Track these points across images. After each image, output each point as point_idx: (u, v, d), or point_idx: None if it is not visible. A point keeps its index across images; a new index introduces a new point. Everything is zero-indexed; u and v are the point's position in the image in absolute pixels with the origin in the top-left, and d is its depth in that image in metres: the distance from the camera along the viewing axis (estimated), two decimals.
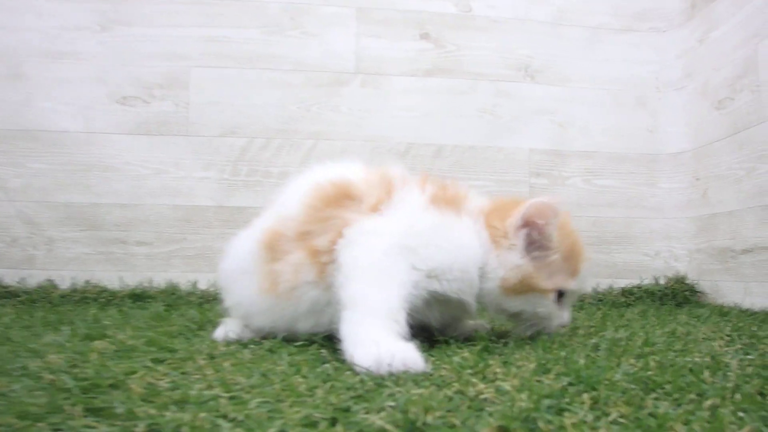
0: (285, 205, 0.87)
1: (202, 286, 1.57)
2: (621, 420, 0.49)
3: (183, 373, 0.64)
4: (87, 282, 1.56)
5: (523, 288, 0.80)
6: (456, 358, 0.69)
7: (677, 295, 1.65)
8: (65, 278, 1.56)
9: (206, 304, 1.46)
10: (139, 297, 1.51)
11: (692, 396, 0.56)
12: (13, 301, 1.44)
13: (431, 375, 0.62)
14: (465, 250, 0.80)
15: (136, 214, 1.61)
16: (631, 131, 1.81)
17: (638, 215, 1.78)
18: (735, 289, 1.55)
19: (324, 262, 0.76)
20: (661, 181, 1.79)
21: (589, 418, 0.48)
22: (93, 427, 0.45)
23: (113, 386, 0.57)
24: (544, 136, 1.76)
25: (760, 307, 1.40)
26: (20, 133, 1.59)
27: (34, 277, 1.55)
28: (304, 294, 0.79)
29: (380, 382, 0.58)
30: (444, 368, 0.65)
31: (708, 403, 0.53)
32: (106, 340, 0.84)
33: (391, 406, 0.50)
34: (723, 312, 1.38)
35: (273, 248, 0.81)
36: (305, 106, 1.68)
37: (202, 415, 0.47)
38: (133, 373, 0.62)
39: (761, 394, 0.58)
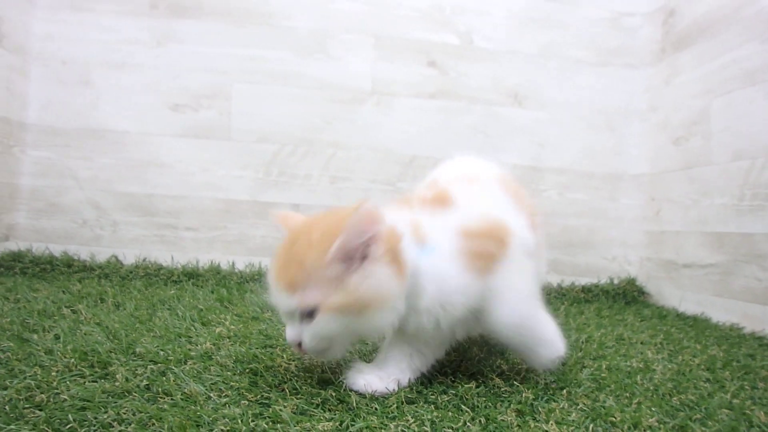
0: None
1: (240, 266, 1.87)
2: (584, 408, 0.73)
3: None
4: (145, 259, 1.83)
5: None
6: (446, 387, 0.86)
7: (627, 295, 1.85)
8: (127, 255, 1.82)
9: (245, 284, 1.72)
10: (190, 275, 1.73)
11: (627, 394, 0.79)
12: (91, 275, 1.65)
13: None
14: None
15: (184, 204, 1.87)
16: (600, 152, 2.00)
17: (601, 225, 1.99)
18: (674, 294, 1.76)
19: None
20: (622, 198, 2.00)
21: (565, 405, 0.74)
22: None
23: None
24: (525, 153, 1.97)
25: (692, 312, 1.63)
26: (89, 132, 1.82)
27: (101, 254, 1.80)
28: None
29: None
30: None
31: (635, 400, 0.77)
32: (219, 325, 1.11)
33: None
34: (662, 314, 1.60)
35: None
36: (326, 119, 1.93)
37: None
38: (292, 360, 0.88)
39: (670, 395, 0.81)
